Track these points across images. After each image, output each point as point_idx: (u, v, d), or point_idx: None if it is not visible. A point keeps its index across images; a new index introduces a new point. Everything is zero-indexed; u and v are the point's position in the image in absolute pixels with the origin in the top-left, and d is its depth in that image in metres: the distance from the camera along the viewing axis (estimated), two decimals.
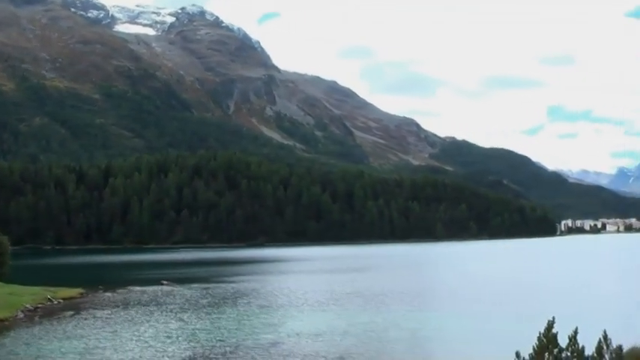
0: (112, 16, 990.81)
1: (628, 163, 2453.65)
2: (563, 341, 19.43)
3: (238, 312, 64.57)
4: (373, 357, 42.81)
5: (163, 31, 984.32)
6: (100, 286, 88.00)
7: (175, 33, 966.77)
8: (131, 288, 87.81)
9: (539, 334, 19.53)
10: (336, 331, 52.12)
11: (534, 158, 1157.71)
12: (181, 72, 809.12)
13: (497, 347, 40.48)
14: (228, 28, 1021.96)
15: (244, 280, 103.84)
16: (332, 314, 63.15)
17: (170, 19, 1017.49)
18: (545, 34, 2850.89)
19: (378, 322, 57.49)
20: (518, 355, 19.50)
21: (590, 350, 19.80)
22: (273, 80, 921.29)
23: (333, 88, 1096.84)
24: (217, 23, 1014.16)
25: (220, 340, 48.40)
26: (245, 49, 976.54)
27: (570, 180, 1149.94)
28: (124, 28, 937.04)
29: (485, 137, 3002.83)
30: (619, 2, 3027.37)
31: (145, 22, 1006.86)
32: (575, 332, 19.46)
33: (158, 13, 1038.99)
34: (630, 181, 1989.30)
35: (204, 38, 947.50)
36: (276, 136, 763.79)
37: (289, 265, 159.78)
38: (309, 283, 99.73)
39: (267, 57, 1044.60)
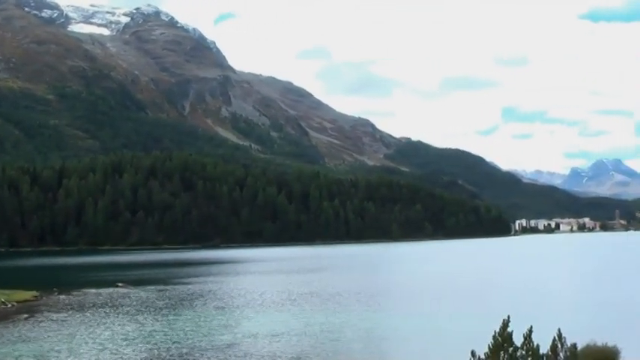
0: (67, 15, 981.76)
1: (581, 164, 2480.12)
2: (518, 340, 19.65)
3: (195, 313, 64.42)
4: (330, 357, 42.92)
5: (118, 31, 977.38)
6: (55, 289, 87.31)
7: (130, 33, 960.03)
8: (86, 290, 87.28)
9: (495, 333, 19.74)
10: (293, 332, 52.17)
11: (489, 159, 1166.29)
12: (136, 72, 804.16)
13: (453, 346, 40.76)
14: (183, 29, 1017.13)
15: (200, 281, 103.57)
16: (288, 315, 63.20)
17: (125, 19, 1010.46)
18: (501, 36, 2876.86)
19: (335, 322, 57.62)
20: (473, 354, 19.69)
21: (545, 348, 20.06)
22: (228, 81, 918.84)
23: (289, 89, 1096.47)
24: (172, 23, 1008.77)
25: (177, 342, 48.28)
26: (200, 49, 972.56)
27: (524, 180, 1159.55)
28: (78, 28, 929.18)
29: (440, 138, 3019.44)
30: (573, 5, 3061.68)
31: (100, 22, 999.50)
32: (530, 331, 19.69)
33: (113, 13, 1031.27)
34: (583, 181, 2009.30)
35: (160, 38, 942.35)
36: (231, 136, 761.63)
37: (245, 266, 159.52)
38: (266, 284, 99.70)
39: (223, 57, 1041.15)
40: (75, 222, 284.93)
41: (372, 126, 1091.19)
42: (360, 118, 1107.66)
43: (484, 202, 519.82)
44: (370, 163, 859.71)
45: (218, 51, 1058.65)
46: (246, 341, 48.56)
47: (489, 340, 19.79)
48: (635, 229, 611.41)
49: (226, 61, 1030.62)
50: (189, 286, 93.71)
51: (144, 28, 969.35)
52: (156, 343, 47.78)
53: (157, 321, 59.52)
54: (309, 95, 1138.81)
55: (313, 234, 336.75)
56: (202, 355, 43.54)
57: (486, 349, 19.68)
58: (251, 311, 66.39)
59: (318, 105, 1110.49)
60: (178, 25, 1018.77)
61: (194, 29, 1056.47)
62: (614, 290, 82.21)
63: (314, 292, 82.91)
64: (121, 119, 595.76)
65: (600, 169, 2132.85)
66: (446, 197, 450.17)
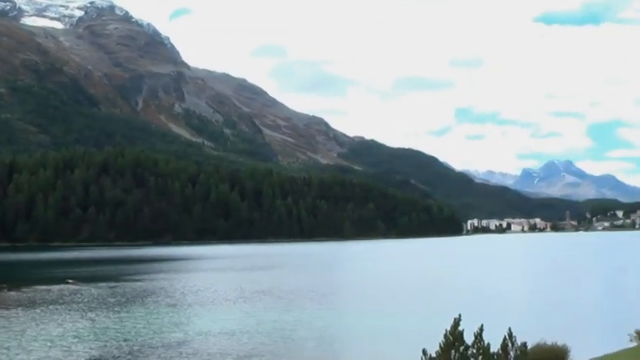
0: (19, 8, 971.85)
1: (533, 165, 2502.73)
2: (469, 338, 19.78)
3: (146, 311, 64.06)
4: (281, 355, 42.89)
5: (71, 25, 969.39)
6: (4, 285, 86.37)
7: (84, 27, 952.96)
8: (36, 287, 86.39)
9: (446, 331, 19.85)
10: (245, 330, 52.07)
11: (442, 159, 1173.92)
12: (89, 67, 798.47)
13: (405, 345, 40.95)
14: (137, 24, 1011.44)
15: (152, 278, 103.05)
16: (240, 313, 63.09)
17: (79, 13, 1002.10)
18: (456, 37, 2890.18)
19: (287, 320, 57.60)
20: (425, 352, 19.79)
21: (495, 347, 20.21)
22: (182, 77, 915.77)
23: (243, 86, 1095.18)
24: (127, 18, 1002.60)
25: (127, 340, 47.98)
26: (154, 44, 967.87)
27: (477, 180, 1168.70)
28: (31, 21, 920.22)
29: (393, 137, 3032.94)
30: (527, 8, 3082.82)
31: (53, 15, 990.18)
32: (481, 330, 19.83)
33: (66, 7, 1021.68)
34: (535, 182, 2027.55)
35: (113, 33, 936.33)
36: (184, 133, 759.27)
37: (197, 263, 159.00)
38: (218, 282, 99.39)
39: (177, 53, 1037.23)
40: (25, 218, 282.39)
41: (326, 124, 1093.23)
42: (314, 116, 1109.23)
43: (436, 202, 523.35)
44: (323, 161, 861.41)
45: (172, 47, 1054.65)
46: (198, 339, 48.39)
47: (440, 339, 19.89)
48: (586, 230, 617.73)
49: (180, 57, 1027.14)
50: (141, 283, 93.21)
51: (98, 23, 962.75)
52: (107, 341, 47.45)
53: (108, 318, 59.11)
54: (264, 93, 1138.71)
55: (266, 232, 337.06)
56: (153, 352, 43.32)
57: (437, 348, 19.78)
58: (203, 309, 66.16)
59: (272, 103, 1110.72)
60: (133, 20, 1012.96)
61: (148, 24, 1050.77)
62: (564, 290, 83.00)
63: (266, 290, 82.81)
64: (73, 114, 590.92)
65: (551, 170, 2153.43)
66: (398, 196, 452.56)
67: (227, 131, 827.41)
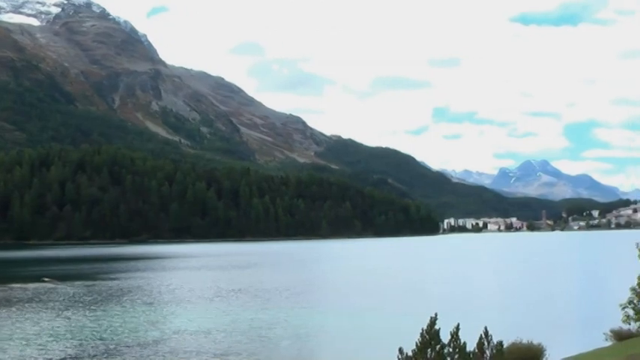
0: None
1: (509, 164, 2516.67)
2: (445, 337, 19.81)
3: (122, 309, 63.84)
4: (258, 353, 42.83)
5: (48, 21, 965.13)
6: None
7: (60, 24, 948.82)
8: (12, 285, 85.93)
9: (422, 330, 19.86)
10: (221, 328, 51.99)
11: (419, 158, 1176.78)
12: (66, 64, 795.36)
13: (381, 343, 40.93)
14: (114, 21, 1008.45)
15: (128, 277, 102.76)
16: (217, 311, 62.99)
17: (55, 10, 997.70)
18: (433, 37, 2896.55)
19: (263, 318, 57.53)
20: (401, 351, 19.80)
21: (471, 346, 20.24)
22: (159, 75, 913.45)
23: (220, 84, 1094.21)
24: (104, 15, 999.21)
25: (103, 338, 47.79)
26: (131, 42, 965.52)
27: (454, 180, 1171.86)
28: (7, 17, 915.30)
29: (371, 136, 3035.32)
30: (505, 8, 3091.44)
31: (30, 11, 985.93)
32: (457, 328, 19.86)
33: (43, 3, 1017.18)
34: (511, 181, 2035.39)
35: (90, 30, 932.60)
36: (161, 131, 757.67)
37: (174, 262, 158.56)
38: (194, 280, 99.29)
39: (154, 51, 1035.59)
40: (0, 216, 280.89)
41: (304, 123, 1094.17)
42: (291, 115, 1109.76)
43: (413, 201, 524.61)
44: (301, 160, 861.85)
45: (149, 44, 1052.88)
46: (174, 337, 48.27)
47: (417, 338, 19.90)
48: (561, 230, 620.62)
49: (157, 55, 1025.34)
50: (117, 282, 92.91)
51: (74, 20, 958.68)
52: (83, 339, 47.22)
53: (85, 316, 58.86)
54: (241, 91, 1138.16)
55: (243, 231, 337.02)
56: (129, 351, 43.16)
57: (414, 347, 19.79)
58: (179, 307, 66.01)
59: (250, 101, 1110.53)
60: (110, 17, 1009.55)
61: (126, 22, 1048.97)
62: (540, 289, 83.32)
63: (243, 289, 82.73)
64: (49, 111, 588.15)
65: (528, 169, 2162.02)
66: (375, 195, 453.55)
67: (204, 129, 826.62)
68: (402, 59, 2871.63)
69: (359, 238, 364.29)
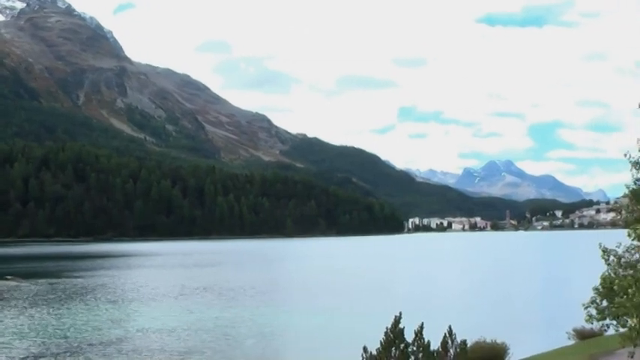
0: None
1: (474, 164, 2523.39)
2: (409, 336, 19.86)
3: (86, 307, 63.55)
4: (222, 352, 42.79)
5: (13, 16, 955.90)
6: None
7: (25, 19, 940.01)
8: None
9: (386, 329, 19.91)
10: (185, 327, 51.90)
11: (384, 157, 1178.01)
12: (30, 60, 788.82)
13: (346, 343, 41.02)
14: (80, 17, 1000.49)
15: (92, 275, 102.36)
16: (181, 309, 62.89)
17: (20, 5, 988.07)
18: (399, 36, 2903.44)
19: (228, 317, 57.51)
20: (365, 349, 19.84)
21: (435, 345, 20.32)
22: (124, 72, 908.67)
23: (186, 82, 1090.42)
24: (69, 11, 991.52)
25: (67, 337, 47.53)
26: (97, 38, 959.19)
27: (418, 179, 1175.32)
28: None
29: (336, 135, 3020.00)
30: (470, 9, 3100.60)
31: None
32: (421, 327, 19.93)
33: None
34: (476, 181, 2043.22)
35: (55, 26, 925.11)
36: (126, 128, 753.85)
37: (138, 260, 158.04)
38: (159, 279, 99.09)
39: (120, 48, 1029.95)
40: None
41: (269, 121, 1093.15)
42: (257, 113, 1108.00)
43: (378, 200, 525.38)
44: (266, 158, 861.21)
45: (115, 41, 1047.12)
46: (138, 335, 48.12)
47: (381, 337, 19.95)
48: (525, 230, 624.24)
49: (123, 52, 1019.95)
50: (81, 280, 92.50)
51: (40, 15, 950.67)
52: (46, 338, 46.96)
53: (48, 315, 58.56)
54: (207, 89, 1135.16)
55: (207, 229, 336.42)
56: (92, 349, 42.97)
57: (378, 345, 19.84)
58: (143, 305, 65.85)
59: (216, 99, 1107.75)
60: (75, 13, 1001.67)
61: (91, 18, 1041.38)
62: (503, 289, 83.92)
63: (207, 287, 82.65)
64: (13, 107, 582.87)
65: (492, 169, 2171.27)
66: (340, 194, 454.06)
67: (169, 127, 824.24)
68: (369, 58, 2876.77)
69: (323, 236, 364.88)
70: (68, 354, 41.65)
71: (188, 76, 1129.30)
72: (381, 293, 78.51)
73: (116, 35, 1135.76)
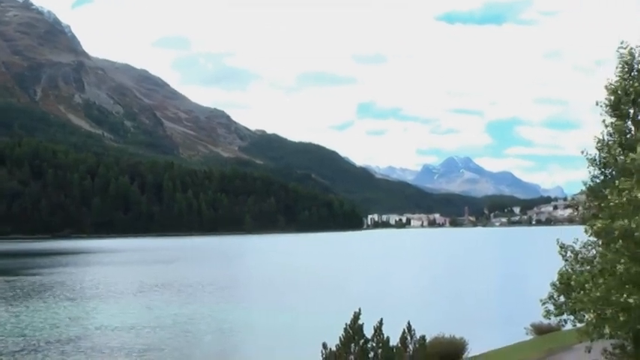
0: None
1: (433, 161, 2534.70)
2: (369, 332, 19.91)
3: (44, 305, 63.13)
4: (181, 348, 42.70)
5: None
6: None
7: None
8: None
9: (346, 325, 19.95)
10: (144, 324, 51.70)
11: (343, 153, 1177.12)
12: None
13: (305, 339, 41.05)
14: (37, 11, 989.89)
15: (50, 272, 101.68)
16: (140, 306, 62.67)
17: None
18: (359, 33, 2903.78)
19: (186, 313, 57.41)
20: (325, 346, 19.86)
21: (394, 340, 20.39)
22: (82, 67, 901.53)
23: (144, 77, 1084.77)
24: (27, 5, 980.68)
25: (25, 335, 47.19)
26: (55, 33, 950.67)
27: (377, 176, 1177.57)
28: None
29: (296, 132, 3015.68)
30: (430, 6, 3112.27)
31: None
32: (380, 323, 19.98)
33: None
34: (435, 177, 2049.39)
35: (13, 20, 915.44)
36: (84, 124, 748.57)
37: (96, 257, 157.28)
38: (117, 275, 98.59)
39: (78, 43, 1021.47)
40: None
41: (228, 118, 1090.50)
42: (215, 109, 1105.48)
43: (337, 197, 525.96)
44: (224, 155, 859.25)
45: (73, 36, 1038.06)
46: (96, 333, 47.88)
47: (341, 333, 19.98)
48: (483, 226, 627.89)
49: (81, 47, 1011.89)
50: (39, 277, 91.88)
51: None
52: (4, 335, 46.59)
53: (6, 312, 58.12)
54: (165, 85, 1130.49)
55: (166, 225, 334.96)
56: (50, 347, 42.69)
57: (337, 341, 19.87)
58: (102, 303, 65.54)
59: (174, 95, 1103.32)
60: (33, 7, 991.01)
61: (49, 12, 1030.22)
62: (462, 285, 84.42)
63: (166, 284, 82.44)
64: None
65: (451, 166, 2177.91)
66: (299, 190, 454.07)
67: (127, 123, 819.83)
68: (328, 55, 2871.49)
69: (283, 233, 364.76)
70: (26, 352, 41.35)
71: (146, 72, 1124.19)
72: (341, 290, 78.60)
73: (74, 30, 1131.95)
